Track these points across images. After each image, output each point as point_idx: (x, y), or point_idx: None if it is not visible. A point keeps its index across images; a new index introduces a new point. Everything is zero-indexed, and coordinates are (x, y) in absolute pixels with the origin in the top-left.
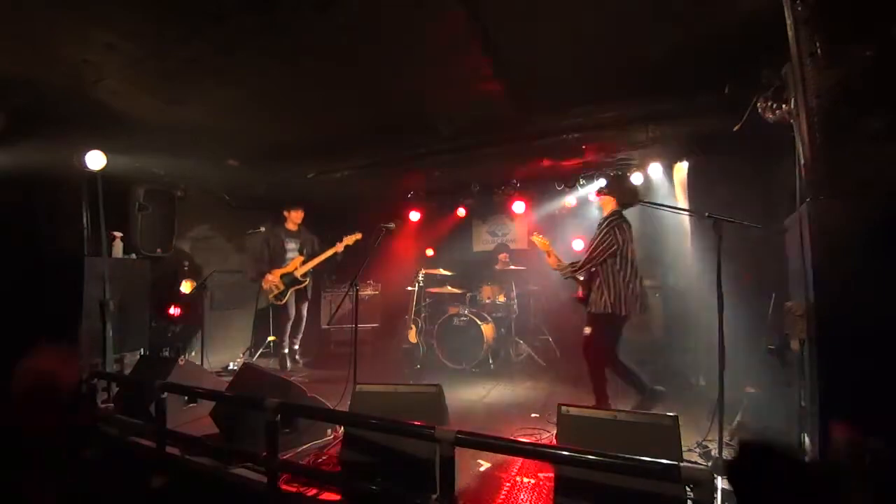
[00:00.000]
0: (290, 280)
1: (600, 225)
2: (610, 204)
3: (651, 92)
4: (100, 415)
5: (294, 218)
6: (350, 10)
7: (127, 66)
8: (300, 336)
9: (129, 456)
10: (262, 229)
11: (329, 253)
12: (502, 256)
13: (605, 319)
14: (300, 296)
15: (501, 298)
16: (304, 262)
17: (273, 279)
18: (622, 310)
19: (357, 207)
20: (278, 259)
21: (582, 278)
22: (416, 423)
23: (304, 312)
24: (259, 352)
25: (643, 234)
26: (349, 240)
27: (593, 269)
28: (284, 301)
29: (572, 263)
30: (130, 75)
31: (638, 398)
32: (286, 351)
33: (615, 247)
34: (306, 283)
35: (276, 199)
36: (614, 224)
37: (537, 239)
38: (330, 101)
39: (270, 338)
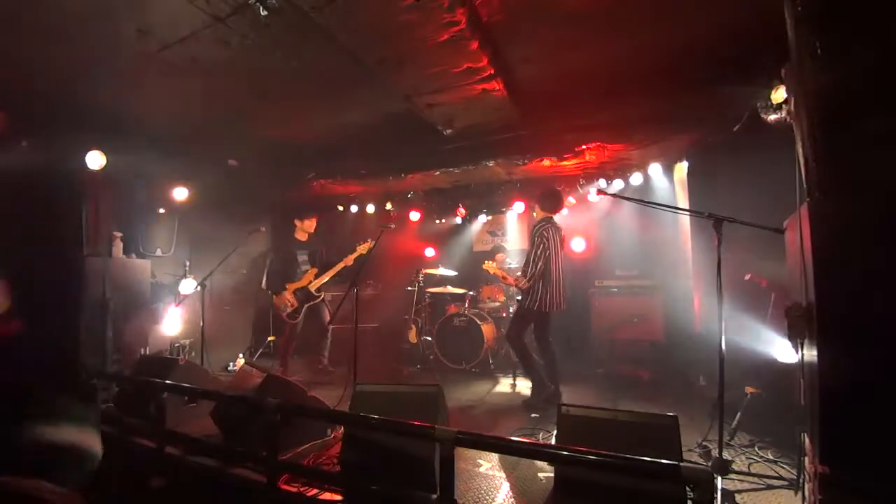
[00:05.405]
0: (304, 295)
1: (532, 230)
2: (539, 212)
3: (652, 91)
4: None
5: (306, 227)
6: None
7: None
8: (328, 350)
9: (129, 456)
10: (263, 229)
11: (342, 265)
12: (499, 257)
13: (530, 313)
14: (316, 312)
15: (501, 298)
16: (317, 275)
17: (287, 295)
18: (546, 307)
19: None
20: (291, 273)
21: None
22: (416, 423)
23: (328, 326)
24: (259, 352)
25: (643, 235)
26: (362, 248)
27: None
28: (298, 320)
29: (522, 275)
30: None
31: (535, 389)
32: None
33: (549, 251)
34: (321, 297)
35: (276, 198)
36: (542, 229)
37: (488, 266)
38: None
39: (270, 338)
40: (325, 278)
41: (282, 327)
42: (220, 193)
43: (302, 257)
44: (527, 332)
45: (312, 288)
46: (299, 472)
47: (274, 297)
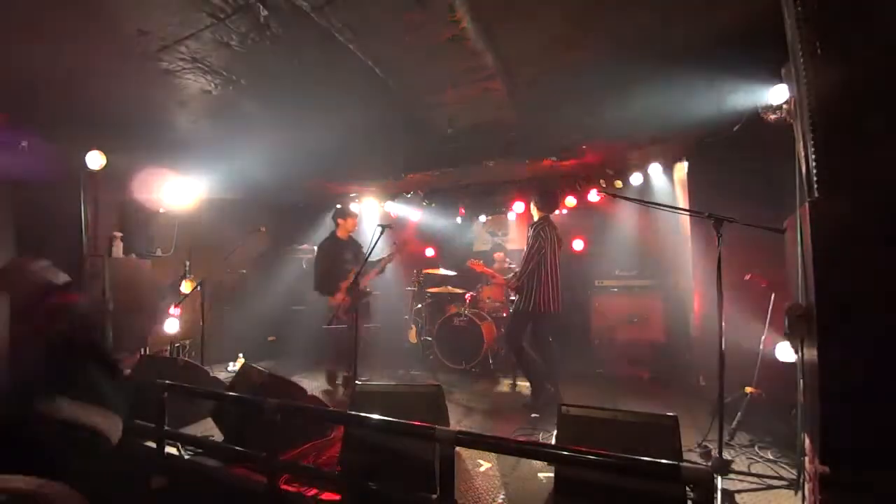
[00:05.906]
0: (356, 293)
1: (529, 230)
2: (536, 211)
3: (652, 90)
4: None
5: (349, 226)
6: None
7: None
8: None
9: (130, 456)
10: (263, 229)
11: (384, 263)
12: (498, 256)
13: (525, 314)
14: (364, 310)
15: (501, 298)
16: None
17: (340, 296)
18: (542, 308)
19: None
20: (340, 273)
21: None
22: (416, 423)
23: (364, 326)
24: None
25: (643, 235)
26: (396, 251)
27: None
28: (351, 316)
29: (514, 274)
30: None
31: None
32: (339, 381)
33: (544, 250)
34: (369, 295)
35: (276, 198)
36: (539, 228)
37: (473, 263)
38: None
39: (270, 338)
40: (370, 278)
41: (340, 340)
42: (220, 193)
43: (347, 255)
44: (524, 334)
45: (362, 286)
46: (299, 472)
47: (329, 299)
